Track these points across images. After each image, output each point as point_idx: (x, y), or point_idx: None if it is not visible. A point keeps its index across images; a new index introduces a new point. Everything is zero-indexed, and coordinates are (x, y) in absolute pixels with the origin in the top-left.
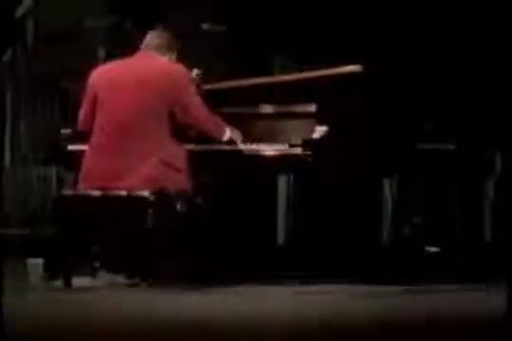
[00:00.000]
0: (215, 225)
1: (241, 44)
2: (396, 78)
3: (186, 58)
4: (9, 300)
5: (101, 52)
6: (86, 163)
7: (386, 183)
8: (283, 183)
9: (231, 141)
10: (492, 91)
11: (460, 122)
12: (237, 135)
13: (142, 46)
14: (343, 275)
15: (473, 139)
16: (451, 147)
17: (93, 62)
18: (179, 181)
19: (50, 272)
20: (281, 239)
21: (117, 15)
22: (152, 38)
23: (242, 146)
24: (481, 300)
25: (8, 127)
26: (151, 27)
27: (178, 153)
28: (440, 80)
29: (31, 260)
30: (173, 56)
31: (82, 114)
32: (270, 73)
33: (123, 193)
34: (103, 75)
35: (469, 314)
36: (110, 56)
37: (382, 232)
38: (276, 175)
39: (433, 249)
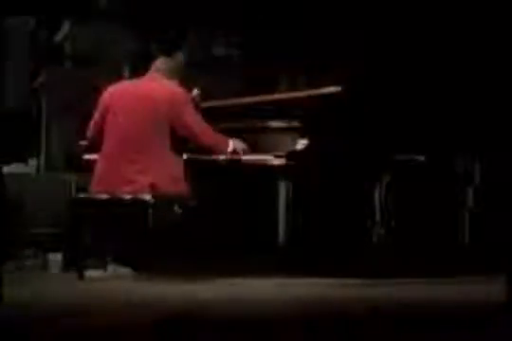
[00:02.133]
0: (216, 225)
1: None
2: (371, 93)
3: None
4: (32, 288)
5: (127, 74)
6: (98, 169)
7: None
8: (281, 188)
9: (234, 152)
10: (469, 104)
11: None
12: (240, 146)
13: (151, 70)
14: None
15: (451, 151)
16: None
17: None
18: (178, 189)
19: (67, 265)
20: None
21: (143, 41)
22: (160, 64)
23: (235, 156)
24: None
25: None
26: (172, 53)
27: (178, 164)
28: (417, 95)
29: (52, 255)
30: (176, 81)
31: (91, 124)
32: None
33: (128, 197)
34: (114, 93)
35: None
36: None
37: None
38: (271, 181)
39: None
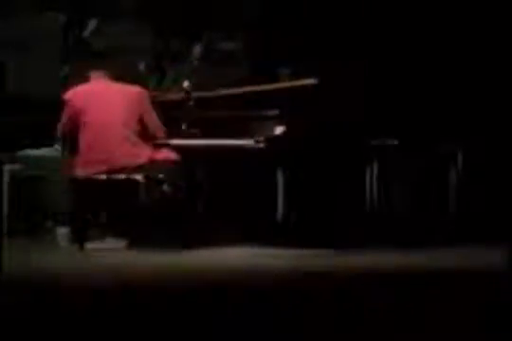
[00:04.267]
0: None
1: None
2: (345, 83)
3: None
4: (42, 257)
5: (142, 65)
6: (85, 153)
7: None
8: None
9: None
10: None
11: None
12: None
13: (94, 76)
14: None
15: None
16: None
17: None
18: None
19: (73, 238)
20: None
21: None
22: (100, 71)
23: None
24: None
25: None
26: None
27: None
28: (402, 81)
29: (61, 229)
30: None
31: (63, 126)
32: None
33: (122, 176)
34: (82, 95)
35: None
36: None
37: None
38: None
39: None
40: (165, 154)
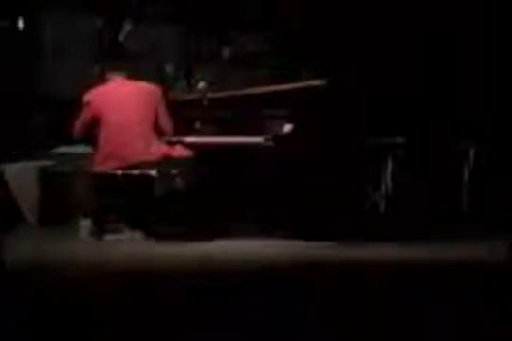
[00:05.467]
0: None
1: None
2: (352, 85)
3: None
4: (66, 247)
5: (169, 67)
6: (103, 150)
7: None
8: None
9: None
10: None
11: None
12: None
13: (111, 76)
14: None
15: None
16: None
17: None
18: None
19: (93, 230)
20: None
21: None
22: (117, 72)
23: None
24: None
25: None
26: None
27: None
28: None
29: (83, 221)
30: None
31: (80, 124)
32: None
33: (137, 172)
34: (99, 97)
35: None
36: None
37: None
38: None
39: None
40: (179, 151)
